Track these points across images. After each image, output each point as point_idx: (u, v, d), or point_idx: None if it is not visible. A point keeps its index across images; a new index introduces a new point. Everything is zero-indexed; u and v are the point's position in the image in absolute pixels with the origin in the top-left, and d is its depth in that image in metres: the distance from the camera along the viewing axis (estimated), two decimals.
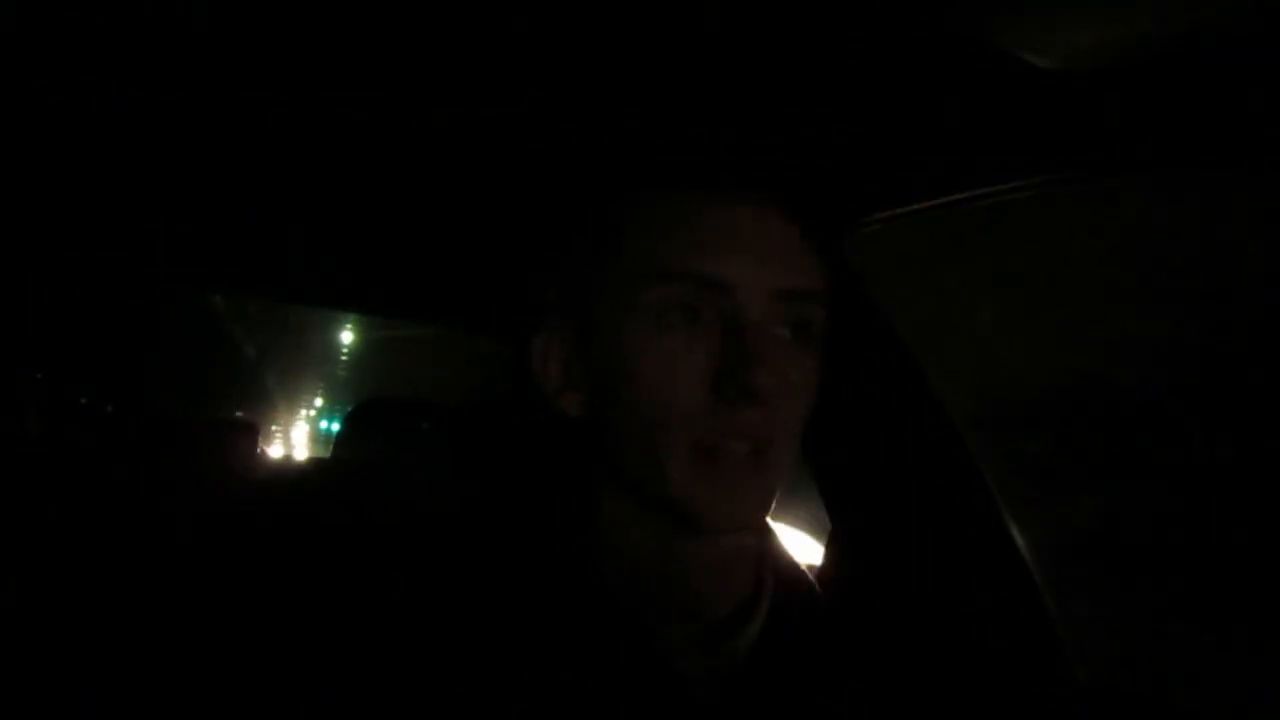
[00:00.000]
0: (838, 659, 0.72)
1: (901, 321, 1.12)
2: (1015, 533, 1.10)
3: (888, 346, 1.14)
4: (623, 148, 1.00)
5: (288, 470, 3.00)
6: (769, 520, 0.79)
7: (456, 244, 1.55)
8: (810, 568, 0.83)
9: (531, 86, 0.91)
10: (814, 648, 0.71)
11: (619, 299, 0.66)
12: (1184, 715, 0.99)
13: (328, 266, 1.69)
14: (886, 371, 1.13)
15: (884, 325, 1.13)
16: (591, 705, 0.62)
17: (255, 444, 2.01)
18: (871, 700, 0.70)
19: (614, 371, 0.67)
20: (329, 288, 1.78)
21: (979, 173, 0.93)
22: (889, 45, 0.76)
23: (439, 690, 0.61)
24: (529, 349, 0.73)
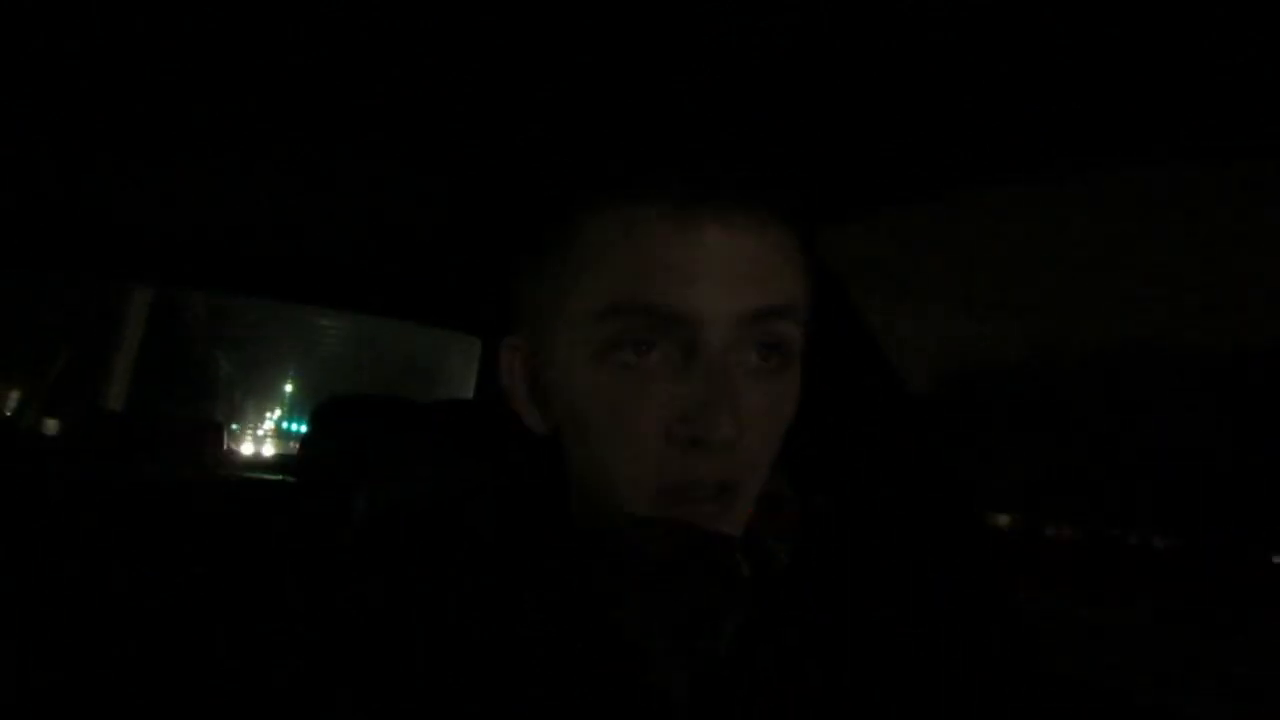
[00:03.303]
0: (809, 636, 0.72)
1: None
2: (991, 526, 1.12)
3: (862, 343, 1.15)
4: (580, 154, 1.00)
5: (259, 468, 2.99)
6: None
7: (436, 242, 1.55)
8: (788, 561, 0.83)
9: (531, 78, 0.91)
10: (789, 639, 0.71)
11: (570, 331, 0.60)
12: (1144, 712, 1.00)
13: (312, 264, 1.69)
14: (862, 368, 1.15)
15: (858, 321, 1.14)
16: (565, 691, 0.61)
17: (221, 441, 2.04)
18: (850, 693, 0.71)
19: (568, 408, 0.63)
20: (313, 284, 1.79)
21: (962, 171, 0.95)
22: (863, 44, 0.77)
23: (396, 685, 0.60)
24: (497, 360, 0.72)
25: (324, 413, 1.21)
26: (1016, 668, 1.00)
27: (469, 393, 2.28)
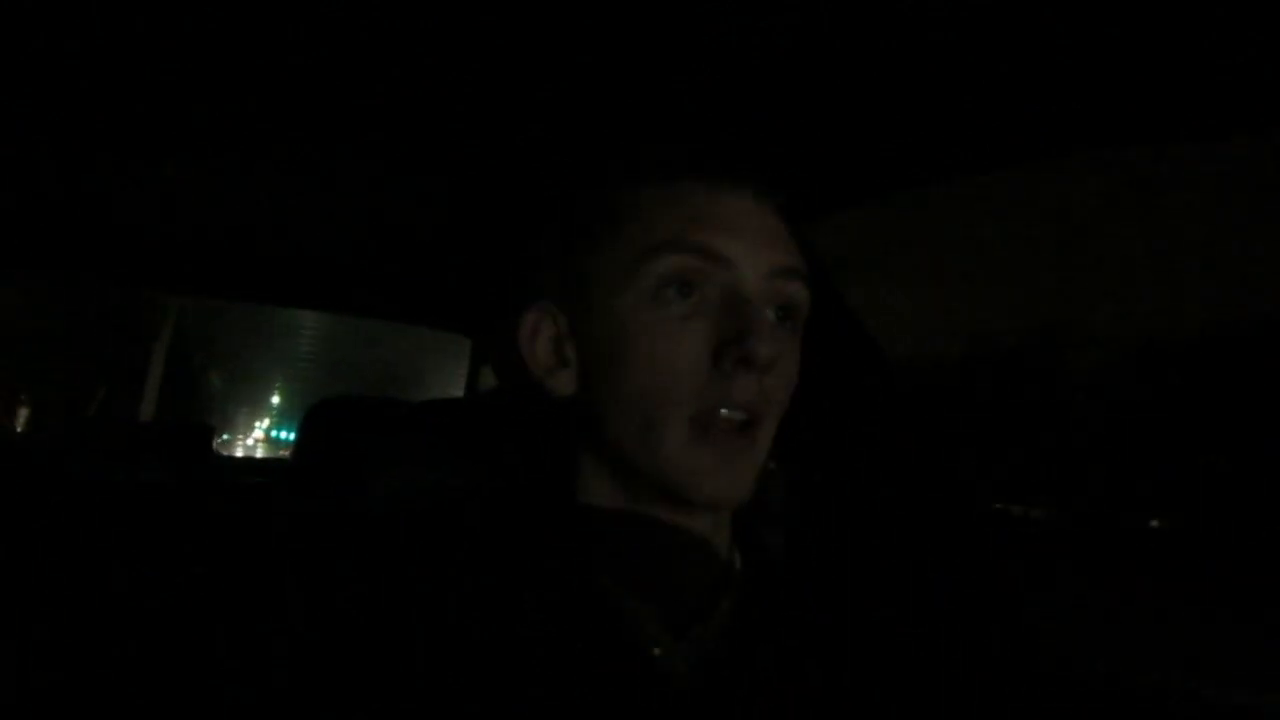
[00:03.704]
0: (808, 635, 0.72)
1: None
2: (979, 513, 1.12)
3: (853, 331, 1.16)
4: (585, 144, 1.01)
5: (249, 468, 2.98)
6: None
7: (436, 242, 1.55)
8: (780, 548, 0.84)
9: (497, 83, 0.92)
10: (784, 625, 0.72)
11: (618, 275, 0.64)
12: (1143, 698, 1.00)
13: (312, 264, 1.69)
14: (852, 355, 1.15)
15: (848, 310, 1.15)
16: (565, 689, 0.62)
17: (210, 443, 2.06)
18: (841, 675, 0.71)
19: (610, 346, 0.67)
20: (312, 286, 1.79)
21: (958, 164, 0.96)
22: (859, 45, 0.78)
23: (400, 680, 0.60)
24: (515, 332, 0.74)
25: (318, 413, 1.20)
26: (1017, 667, 1.01)
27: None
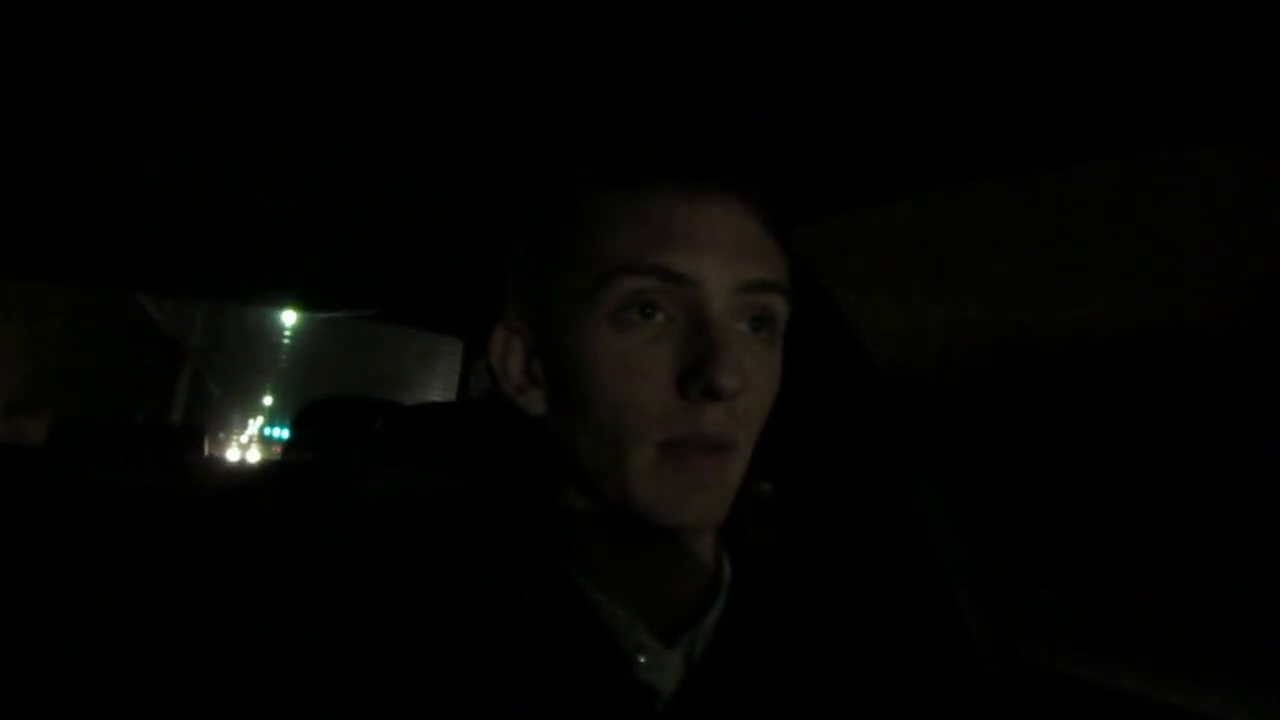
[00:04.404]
0: (801, 640, 0.72)
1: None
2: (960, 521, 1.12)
3: (840, 338, 1.16)
4: (585, 145, 1.01)
5: (242, 471, 2.98)
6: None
7: (437, 243, 1.55)
8: (770, 553, 0.84)
9: (496, 83, 0.92)
10: (773, 634, 0.72)
11: (577, 297, 0.62)
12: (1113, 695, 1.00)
13: (312, 265, 1.69)
14: (840, 362, 1.15)
15: (837, 317, 1.15)
16: (551, 701, 0.62)
17: (202, 447, 2.05)
18: (838, 679, 0.71)
19: (573, 372, 0.64)
20: (311, 288, 1.79)
21: (955, 167, 0.96)
22: (859, 46, 0.78)
23: (394, 684, 0.61)
24: (489, 346, 0.73)
25: (309, 415, 1.19)
26: (1014, 666, 1.01)
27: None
